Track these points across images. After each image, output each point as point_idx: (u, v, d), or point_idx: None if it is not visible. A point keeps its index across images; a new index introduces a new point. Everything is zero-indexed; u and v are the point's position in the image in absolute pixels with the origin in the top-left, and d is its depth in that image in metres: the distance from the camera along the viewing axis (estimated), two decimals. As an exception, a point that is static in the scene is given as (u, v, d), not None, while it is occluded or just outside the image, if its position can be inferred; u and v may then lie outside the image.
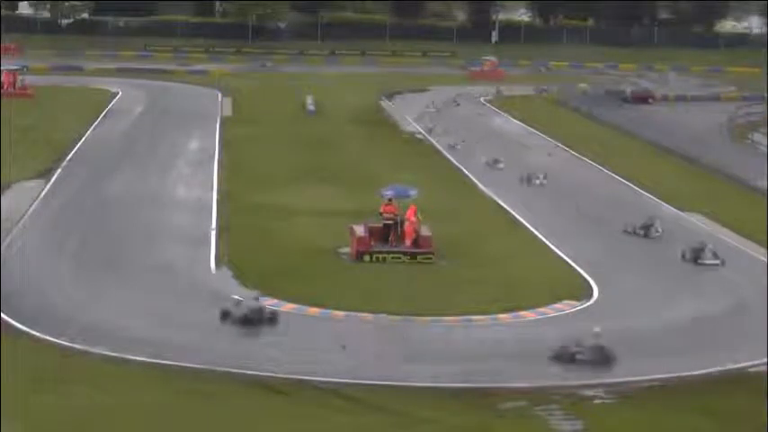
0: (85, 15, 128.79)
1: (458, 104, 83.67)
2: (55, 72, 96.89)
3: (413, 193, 40.23)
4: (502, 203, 48.09)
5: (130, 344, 28.37)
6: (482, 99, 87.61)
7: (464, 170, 56.30)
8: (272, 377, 26.64)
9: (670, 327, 31.54)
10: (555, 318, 32.42)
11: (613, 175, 55.80)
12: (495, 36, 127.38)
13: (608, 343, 28.12)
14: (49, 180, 49.95)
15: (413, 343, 29.83)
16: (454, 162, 58.86)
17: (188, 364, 27.19)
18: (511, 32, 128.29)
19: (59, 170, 52.22)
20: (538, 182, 51.91)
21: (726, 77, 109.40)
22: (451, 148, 62.25)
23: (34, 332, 29.22)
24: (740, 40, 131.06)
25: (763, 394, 26.57)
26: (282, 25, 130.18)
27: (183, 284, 34.14)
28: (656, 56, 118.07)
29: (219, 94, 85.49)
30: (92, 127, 66.55)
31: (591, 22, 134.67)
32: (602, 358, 27.73)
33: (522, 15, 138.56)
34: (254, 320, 30.23)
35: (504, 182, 52.49)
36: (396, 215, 38.45)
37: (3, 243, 37.79)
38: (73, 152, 57.42)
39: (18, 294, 32.15)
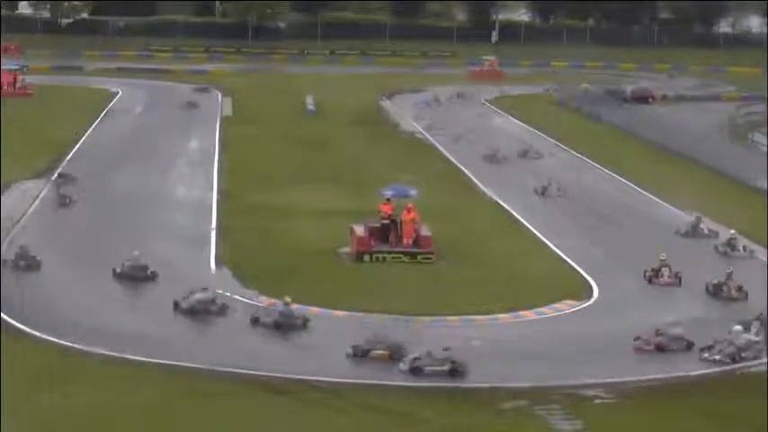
0: (85, 15, 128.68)
1: (461, 98, 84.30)
2: (55, 72, 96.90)
3: (413, 192, 40.43)
4: (504, 205, 48.02)
5: (127, 342, 28.51)
6: (482, 99, 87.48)
7: (464, 169, 56.33)
8: (273, 377, 26.71)
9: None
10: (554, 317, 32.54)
11: (613, 174, 55.85)
12: (495, 36, 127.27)
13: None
14: (49, 180, 49.89)
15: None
16: (453, 161, 58.90)
17: (188, 364, 27.27)
18: (511, 32, 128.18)
19: (59, 170, 52.10)
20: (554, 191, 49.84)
21: (726, 77, 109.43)
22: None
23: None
24: (740, 40, 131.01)
25: (763, 394, 26.58)
26: (282, 25, 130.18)
27: (183, 284, 34.06)
28: (656, 56, 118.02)
29: (219, 94, 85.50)
30: (92, 126, 66.62)
31: (591, 22, 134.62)
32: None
33: (522, 15, 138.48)
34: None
35: (506, 184, 52.44)
36: (390, 215, 38.50)
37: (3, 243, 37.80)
38: (73, 152, 57.41)
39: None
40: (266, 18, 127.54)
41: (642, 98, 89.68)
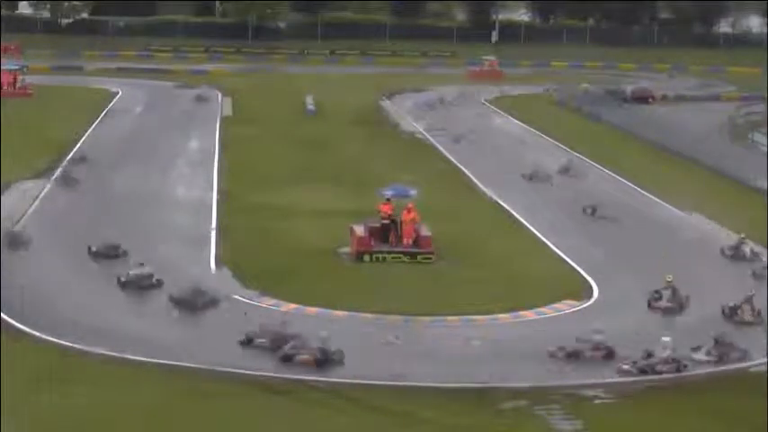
0: (85, 15, 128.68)
1: (462, 98, 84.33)
2: (55, 72, 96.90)
3: (413, 192, 40.46)
4: (504, 204, 47.97)
5: (128, 342, 28.60)
6: (482, 99, 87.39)
7: (464, 169, 56.32)
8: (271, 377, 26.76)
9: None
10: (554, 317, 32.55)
11: (614, 175, 55.83)
12: (495, 36, 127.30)
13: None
14: (49, 180, 49.88)
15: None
16: (454, 161, 58.89)
17: (187, 364, 27.34)
18: (511, 32, 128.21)
19: (59, 170, 52.05)
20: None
21: (726, 77, 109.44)
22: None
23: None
24: (740, 40, 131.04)
25: (763, 394, 26.59)
26: (282, 25, 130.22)
27: (183, 284, 34.07)
28: (656, 56, 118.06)
29: (219, 94, 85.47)
30: (92, 126, 66.63)
31: (591, 22, 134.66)
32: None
33: (522, 15, 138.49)
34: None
35: (509, 187, 52.32)
36: (390, 215, 38.52)
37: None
38: (73, 152, 57.39)
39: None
40: (266, 18, 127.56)
41: (642, 98, 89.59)
